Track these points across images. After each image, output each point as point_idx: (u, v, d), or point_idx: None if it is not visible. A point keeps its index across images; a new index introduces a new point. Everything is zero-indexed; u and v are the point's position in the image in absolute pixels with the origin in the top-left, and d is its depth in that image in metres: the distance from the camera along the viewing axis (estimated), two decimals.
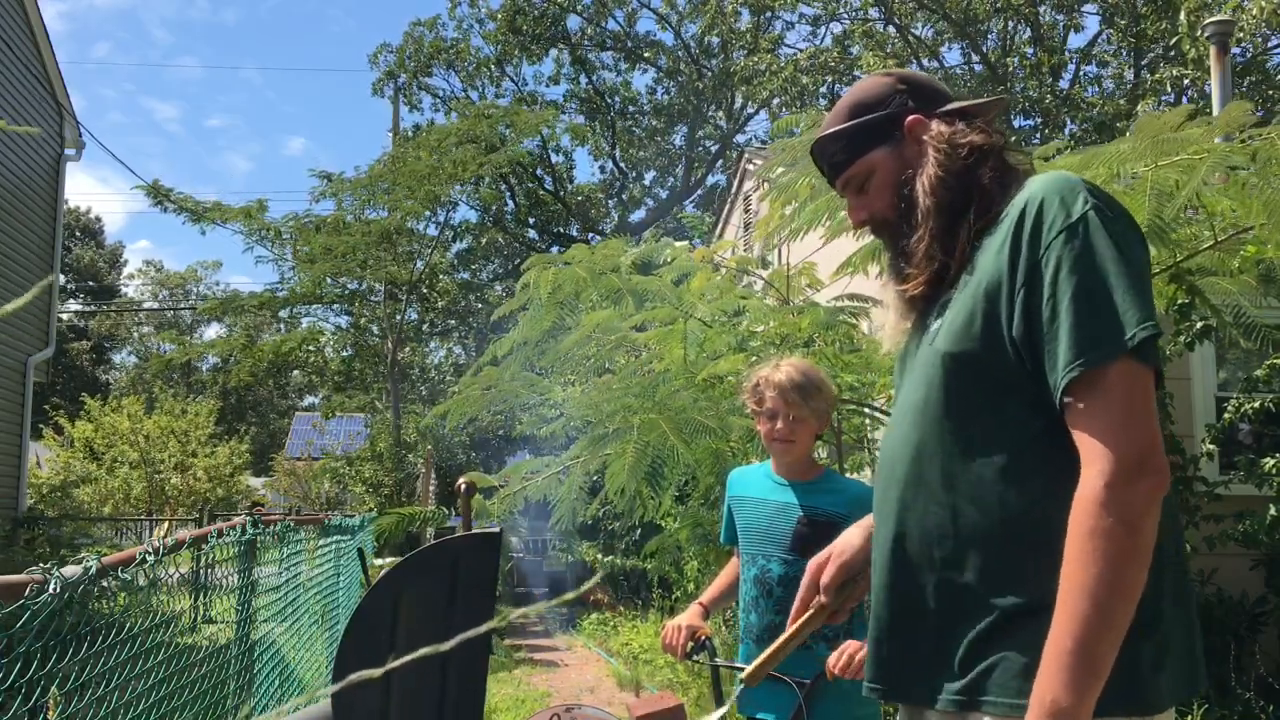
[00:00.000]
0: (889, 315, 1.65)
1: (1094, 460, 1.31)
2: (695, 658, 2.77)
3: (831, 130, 1.67)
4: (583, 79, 27.99)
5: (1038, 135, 17.87)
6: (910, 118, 1.61)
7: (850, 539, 1.74)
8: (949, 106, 1.62)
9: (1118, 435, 1.30)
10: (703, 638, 2.77)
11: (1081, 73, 20.45)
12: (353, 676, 0.66)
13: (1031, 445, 1.41)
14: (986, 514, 1.42)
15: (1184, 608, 1.42)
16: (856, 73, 19.13)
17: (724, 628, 7.08)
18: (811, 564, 1.75)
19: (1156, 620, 1.35)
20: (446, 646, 0.61)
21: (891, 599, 1.53)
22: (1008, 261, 1.41)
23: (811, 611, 1.74)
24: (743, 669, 2.74)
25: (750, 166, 13.95)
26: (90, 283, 41.71)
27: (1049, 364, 1.36)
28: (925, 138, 1.58)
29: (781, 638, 1.77)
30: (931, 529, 1.47)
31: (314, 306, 18.44)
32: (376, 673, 0.64)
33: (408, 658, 0.62)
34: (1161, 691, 1.37)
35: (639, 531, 11.16)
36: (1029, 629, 1.36)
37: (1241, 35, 14.43)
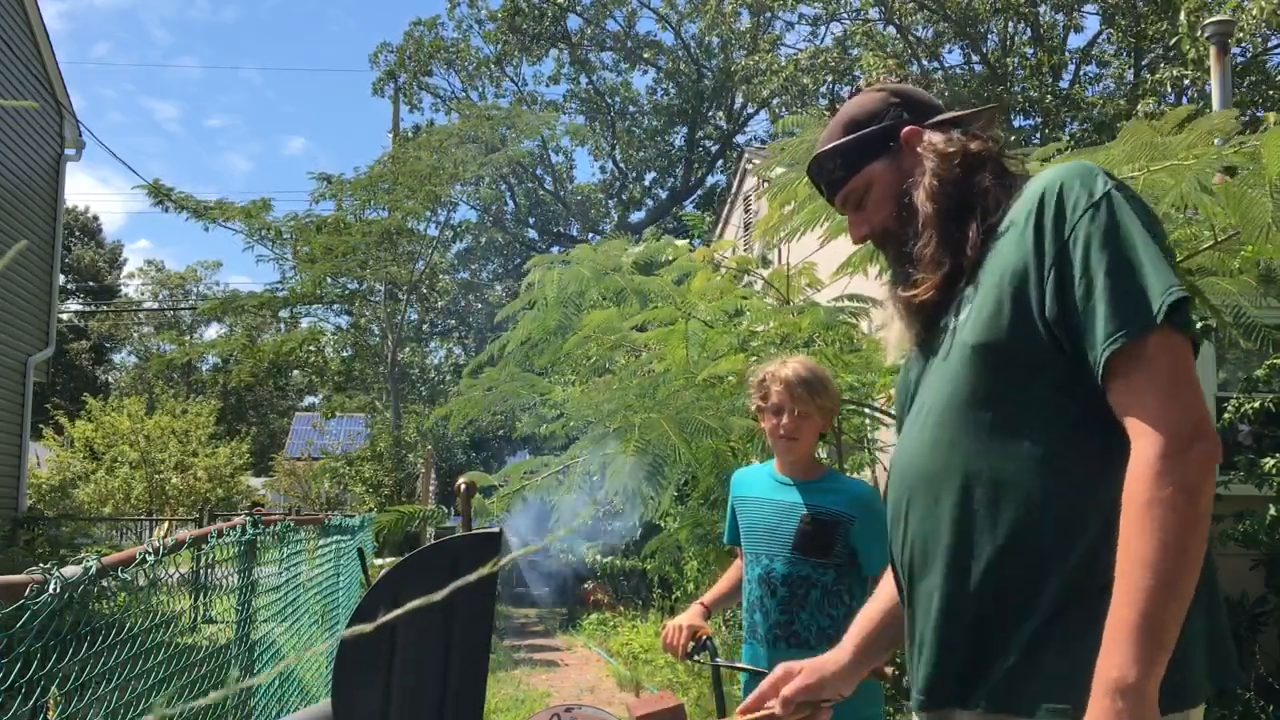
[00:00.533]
0: (893, 324, 1.64)
1: (1144, 433, 1.29)
2: (696, 658, 2.77)
3: (828, 146, 1.70)
4: (583, 79, 28.01)
5: (1038, 135, 17.86)
6: (906, 129, 1.63)
7: (825, 664, 1.73)
8: (942, 116, 1.65)
9: (1166, 405, 1.29)
10: (703, 638, 2.77)
11: (1081, 73, 20.45)
12: (346, 632, 0.66)
13: (1069, 433, 1.39)
14: (1027, 508, 1.39)
15: (1212, 595, 1.38)
16: (857, 73, 19.12)
17: (724, 628, 7.08)
18: (781, 667, 1.74)
19: (1194, 606, 1.30)
20: (439, 596, 0.61)
21: (929, 605, 1.49)
22: (1033, 245, 1.41)
23: (760, 713, 1.72)
24: (745, 669, 2.75)
25: (750, 166, 13.95)
26: (90, 283, 41.70)
27: (1088, 341, 1.35)
28: (920, 148, 1.61)
29: None
30: (968, 529, 1.43)
31: (314, 306, 18.46)
32: (368, 627, 0.64)
33: (407, 607, 0.61)
34: (1198, 682, 1.34)
35: (639, 532, 11.16)
36: (1073, 628, 1.33)
37: (1241, 35, 14.42)
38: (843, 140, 1.68)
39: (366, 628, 0.65)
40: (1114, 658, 1.23)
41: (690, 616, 2.80)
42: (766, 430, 2.80)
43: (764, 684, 1.74)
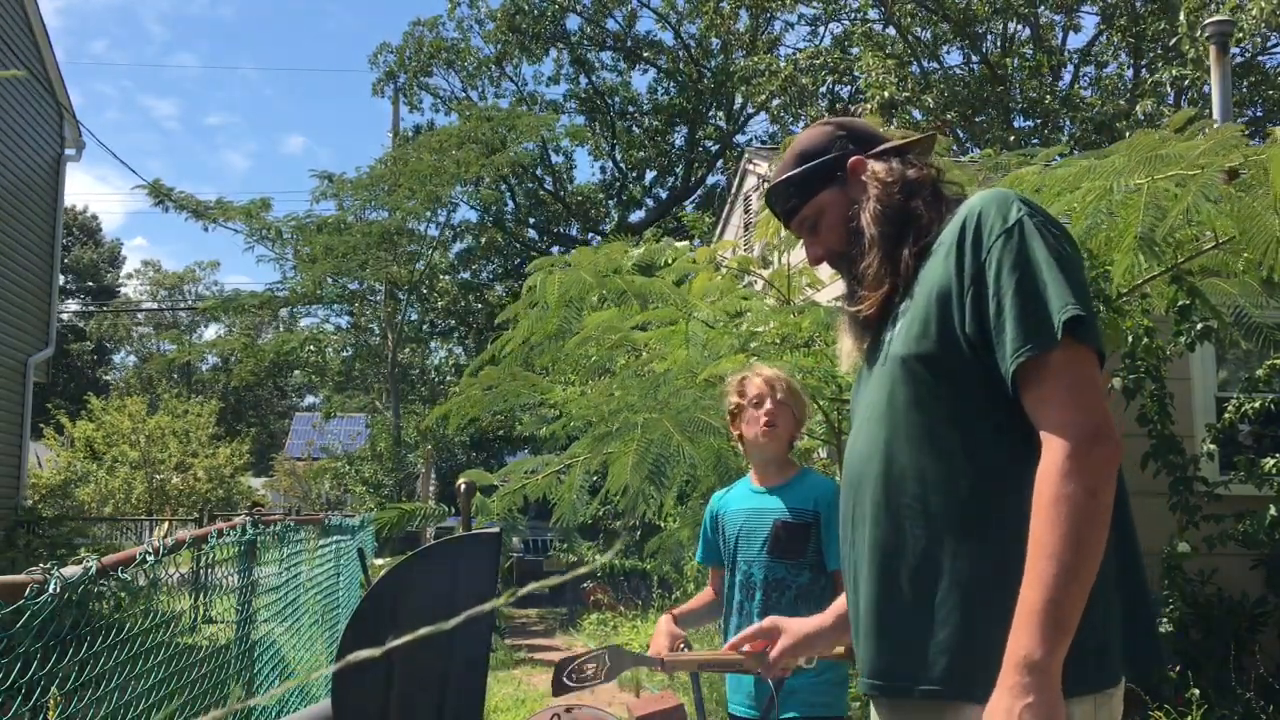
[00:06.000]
0: (844, 338, 1.79)
1: (1052, 435, 1.42)
2: None
3: (783, 178, 1.84)
4: (582, 79, 27.98)
5: (1037, 137, 17.85)
6: (852, 159, 1.77)
7: (806, 625, 1.99)
8: (883, 147, 1.79)
9: (1070, 411, 1.43)
10: (680, 645, 2.77)
11: (1081, 73, 20.44)
12: (352, 656, 0.66)
13: (992, 435, 1.52)
14: (956, 503, 1.52)
15: (1133, 587, 1.50)
16: (856, 73, 19.11)
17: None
18: (769, 620, 2.01)
19: (1099, 596, 1.42)
20: (450, 625, 0.62)
21: (873, 594, 1.60)
22: (954, 267, 1.56)
23: (744, 659, 2.02)
24: (750, 669, 2.74)
25: (750, 167, 13.95)
26: (90, 283, 41.69)
27: (1000, 354, 1.49)
28: (865, 176, 1.75)
29: (712, 654, 2.00)
30: (905, 522, 1.56)
31: (314, 306, 18.47)
32: (376, 652, 0.65)
33: (408, 637, 0.62)
34: (1115, 667, 1.46)
35: (639, 532, 11.17)
36: (1008, 617, 1.41)
37: (1241, 35, 14.41)
38: (795, 171, 1.82)
39: (375, 652, 0.65)
40: (1022, 638, 1.36)
41: (664, 631, 2.75)
42: (744, 427, 2.83)
43: (748, 630, 2.01)
